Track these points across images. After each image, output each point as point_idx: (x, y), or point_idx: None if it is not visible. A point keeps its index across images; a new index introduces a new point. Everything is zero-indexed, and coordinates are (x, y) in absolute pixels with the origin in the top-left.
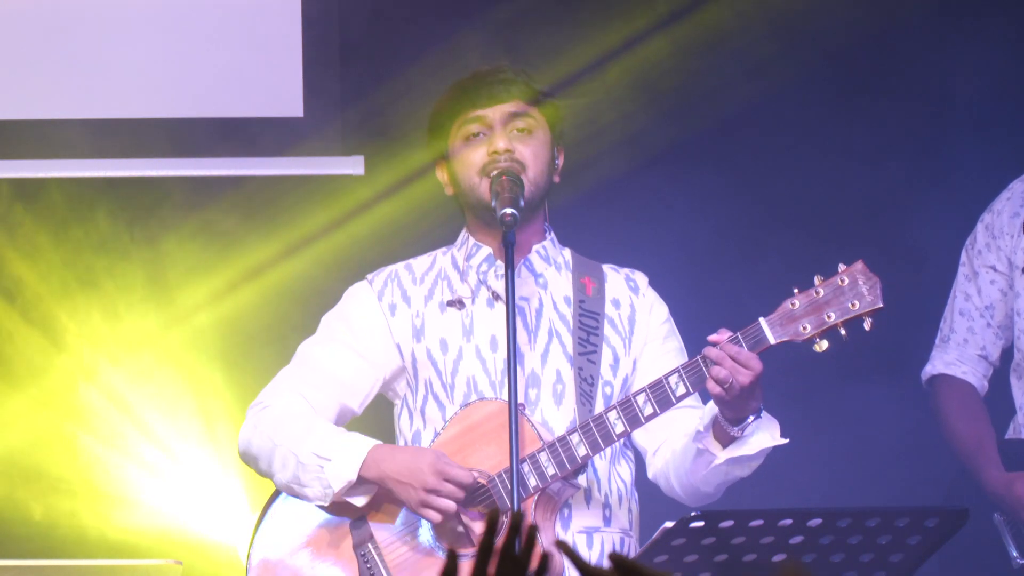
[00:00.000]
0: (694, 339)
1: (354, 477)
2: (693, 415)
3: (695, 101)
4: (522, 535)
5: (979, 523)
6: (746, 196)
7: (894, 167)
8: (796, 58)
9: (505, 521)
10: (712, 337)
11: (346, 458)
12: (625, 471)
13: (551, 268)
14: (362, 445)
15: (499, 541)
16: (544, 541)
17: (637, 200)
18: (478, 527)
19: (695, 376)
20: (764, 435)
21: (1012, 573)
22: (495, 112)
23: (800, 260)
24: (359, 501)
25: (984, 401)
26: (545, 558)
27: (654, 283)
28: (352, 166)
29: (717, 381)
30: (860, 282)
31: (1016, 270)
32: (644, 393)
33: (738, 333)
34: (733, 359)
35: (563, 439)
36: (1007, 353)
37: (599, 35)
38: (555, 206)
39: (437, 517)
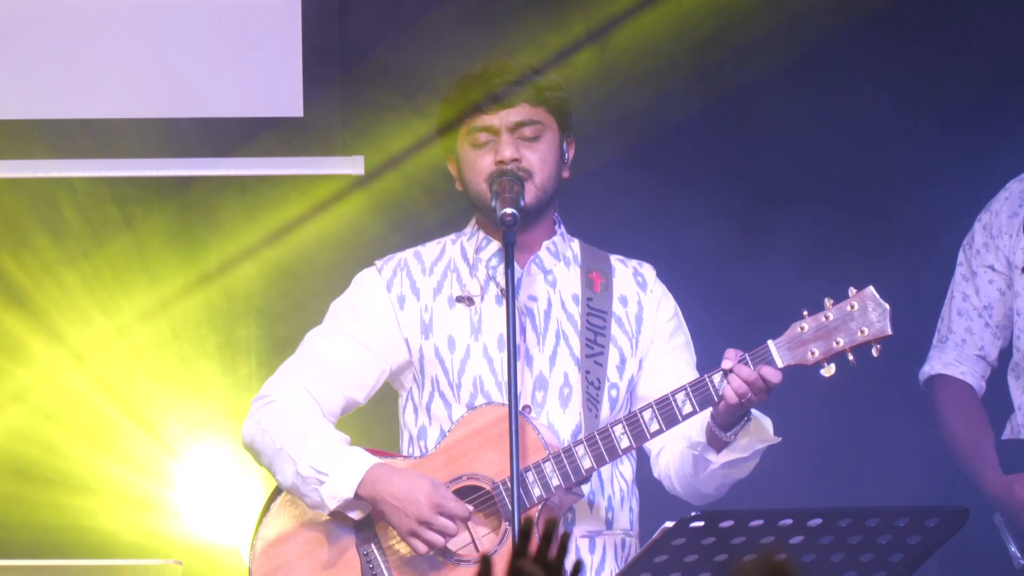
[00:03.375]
0: (699, 333)
1: (351, 495)
2: (691, 417)
3: (696, 86)
4: (530, 541)
5: (979, 523)
6: (752, 187)
7: (900, 157)
8: (802, 49)
9: (509, 529)
10: (726, 364)
11: (344, 476)
12: (627, 470)
13: (560, 264)
14: (361, 463)
15: (531, 547)
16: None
17: (641, 191)
18: (481, 532)
19: (702, 395)
20: (755, 435)
21: (1013, 573)
22: (501, 120)
23: (806, 254)
24: (355, 515)
25: (982, 401)
26: (579, 565)
27: (663, 277)
28: (352, 166)
29: (738, 394)
30: (869, 308)
31: (1015, 270)
32: (651, 409)
33: (746, 355)
34: (763, 380)
35: (568, 451)
36: (1005, 353)
37: (600, 14)
38: (565, 197)
39: (424, 549)
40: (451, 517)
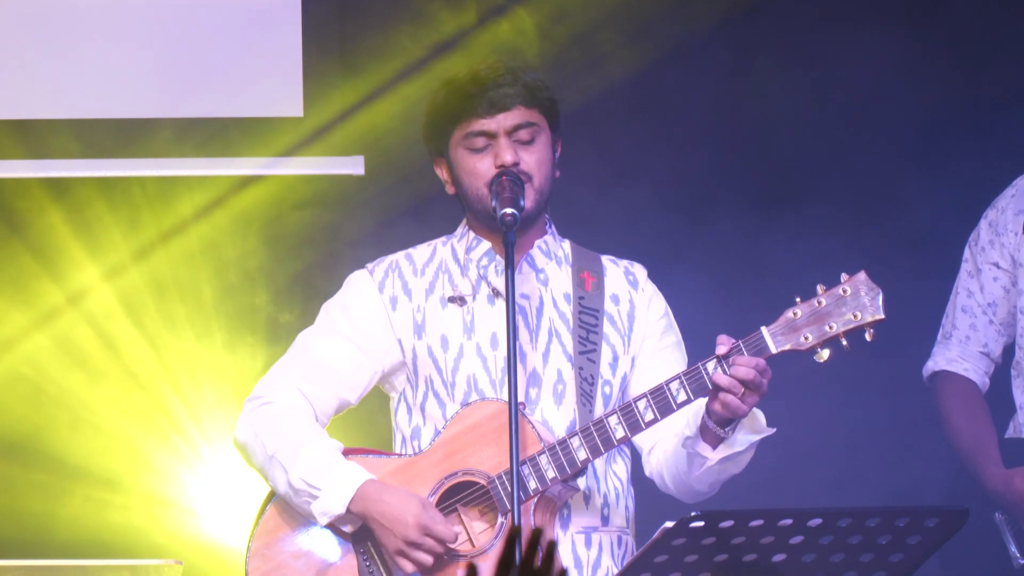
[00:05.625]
0: (697, 328)
1: (342, 511)
2: (684, 414)
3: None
4: (523, 548)
5: (980, 523)
6: (747, 178)
7: (907, 150)
8: (803, 33)
9: (504, 523)
10: (720, 351)
11: (336, 492)
12: (621, 469)
13: (551, 263)
14: (353, 480)
15: (507, 551)
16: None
17: (634, 184)
18: (478, 527)
19: (696, 384)
20: (750, 428)
21: (1013, 572)
22: (498, 124)
23: (807, 249)
24: (346, 529)
25: (986, 399)
26: (564, 573)
27: (652, 272)
28: (352, 166)
29: (723, 404)
30: (862, 292)
31: (1020, 267)
32: (645, 399)
33: (740, 342)
34: (744, 383)
35: (563, 442)
36: (1009, 350)
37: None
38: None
39: (410, 568)
40: (437, 539)
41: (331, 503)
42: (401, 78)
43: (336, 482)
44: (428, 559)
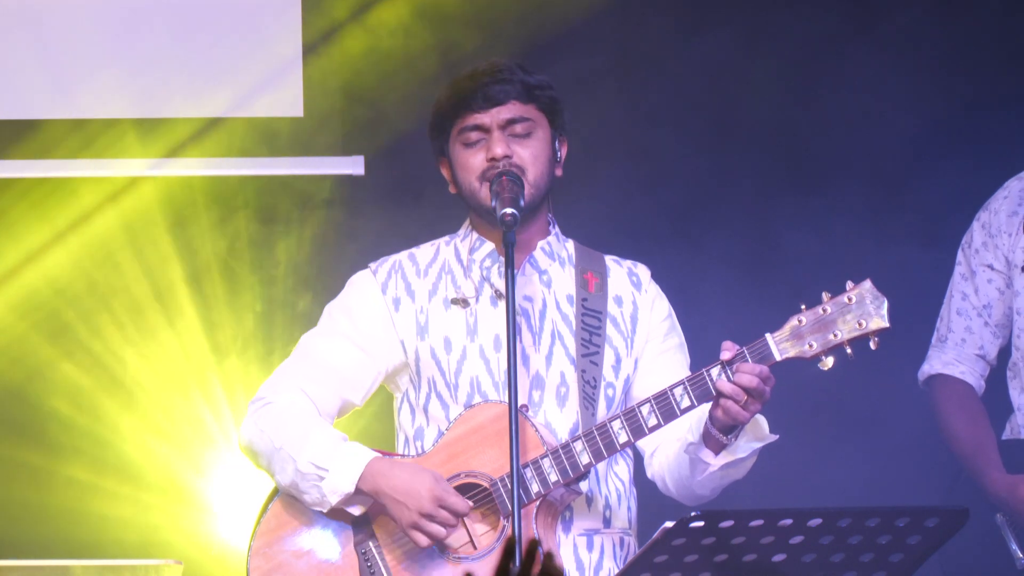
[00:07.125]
0: (698, 323)
1: (351, 490)
2: (687, 419)
3: (694, 75)
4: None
5: (980, 523)
6: (751, 177)
7: (913, 151)
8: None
9: (507, 525)
10: (724, 357)
11: (344, 470)
12: (623, 470)
13: (555, 264)
14: (361, 457)
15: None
16: (544, 546)
17: (638, 186)
18: (480, 529)
19: (700, 390)
20: (753, 434)
21: (1014, 573)
22: (492, 117)
23: (814, 248)
24: (356, 511)
25: (982, 401)
26: None
27: (656, 272)
28: (352, 166)
29: (726, 411)
30: (867, 301)
31: (1015, 269)
32: (649, 404)
33: (744, 348)
34: (747, 391)
35: (566, 446)
36: (1004, 352)
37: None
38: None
39: (425, 542)
40: (452, 511)
41: (340, 481)
42: (402, 78)
43: (344, 461)
44: (442, 531)
